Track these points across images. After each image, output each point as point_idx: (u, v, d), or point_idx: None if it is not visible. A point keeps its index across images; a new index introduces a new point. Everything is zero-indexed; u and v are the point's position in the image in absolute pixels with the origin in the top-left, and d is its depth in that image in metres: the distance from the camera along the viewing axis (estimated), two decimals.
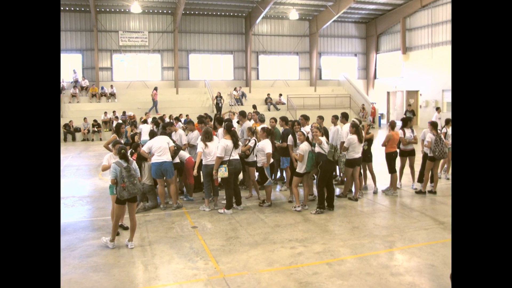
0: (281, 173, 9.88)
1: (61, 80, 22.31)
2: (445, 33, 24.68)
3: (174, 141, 8.22)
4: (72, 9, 24.78)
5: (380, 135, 20.15)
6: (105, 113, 22.18)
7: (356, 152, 7.99)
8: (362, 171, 8.77)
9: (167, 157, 7.62)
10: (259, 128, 8.38)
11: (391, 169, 8.64)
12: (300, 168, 7.43)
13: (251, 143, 7.99)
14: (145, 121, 13.59)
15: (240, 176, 8.72)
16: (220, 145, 7.33)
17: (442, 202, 8.09)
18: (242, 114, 9.66)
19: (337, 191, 8.79)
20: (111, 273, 4.99)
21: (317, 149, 7.38)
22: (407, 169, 9.23)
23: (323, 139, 7.43)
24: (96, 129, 21.61)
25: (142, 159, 7.66)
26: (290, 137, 8.36)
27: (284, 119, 8.99)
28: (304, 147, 7.39)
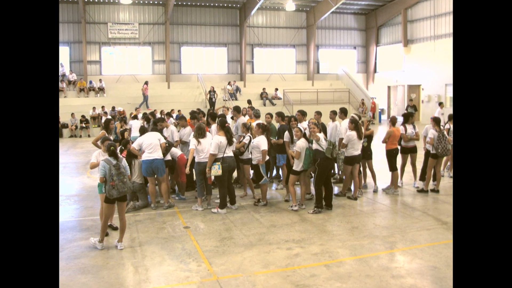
0: (277, 171, 9.84)
1: None
2: (448, 25, 24.53)
3: (165, 138, 8.14)
4: None
5: (380, 132, 20.12)
6: (94, 108, 21.95)
7: (355, 149, 7.93)
8: (361, 169, 8.71)
9: (158, 154, 7.56)
10: (254, 124, 8.36)
11: (392, 167, 8.56)
12: (297, 165, 7.38)
13: (246, 140, 7.91)
14: (135, 117, 13.59)
15: (235, 174, 8.66)
16: (213, 141, 7.26)
17: (445, 201, 8.04)
18: (237, 110, 9.59)
19: (336, 189, 8.71)
20: (99, 275, 4.92)
21: (314, 146, 7.31)
22: (408, 167, 9.16)
23: (321, 135, 7.37)
24: (84, 125, 21.41)
25: (132, 156, 7.59)
26: (286, 133, 8.31)
27: (280, 115, 8.95)
28: (301, 144, 7.33)
